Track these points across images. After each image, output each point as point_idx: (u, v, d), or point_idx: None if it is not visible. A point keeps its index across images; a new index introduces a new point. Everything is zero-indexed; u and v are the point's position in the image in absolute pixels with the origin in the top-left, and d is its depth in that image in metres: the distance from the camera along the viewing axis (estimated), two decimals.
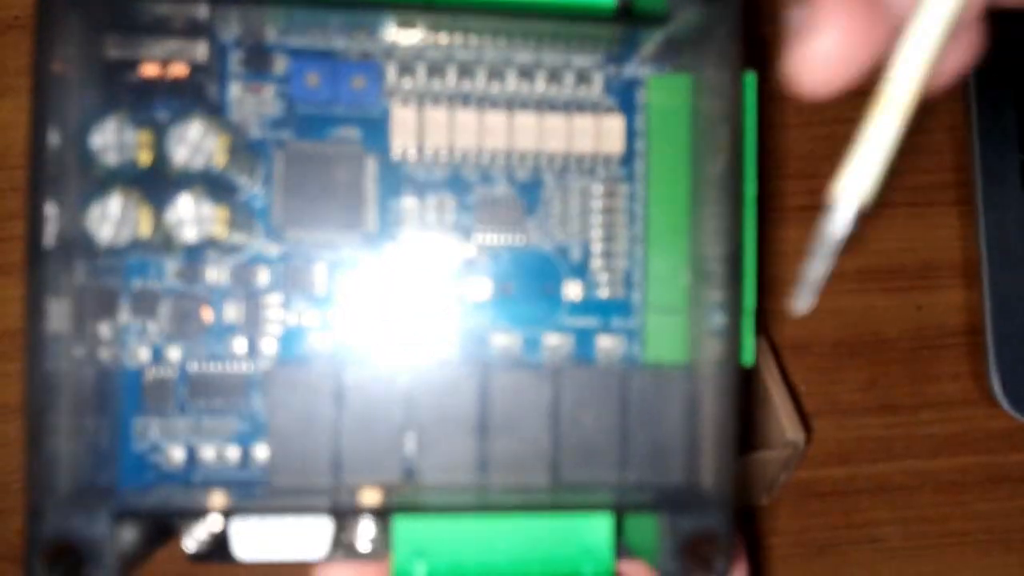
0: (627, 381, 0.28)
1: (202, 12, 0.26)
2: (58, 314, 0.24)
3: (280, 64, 0.29)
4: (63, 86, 0.23)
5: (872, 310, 0.48)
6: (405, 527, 0.27)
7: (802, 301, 0.17)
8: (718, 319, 0.26)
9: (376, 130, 0.29)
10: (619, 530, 0.28)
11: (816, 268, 0.17)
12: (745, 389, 0.27)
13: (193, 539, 0.27)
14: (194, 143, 0.25)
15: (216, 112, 0.28)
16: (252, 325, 0.29)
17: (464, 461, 0.27)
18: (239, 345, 0.29)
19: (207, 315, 0.28)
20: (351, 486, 0.27)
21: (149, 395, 0.28)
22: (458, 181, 0.30)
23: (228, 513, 0.26)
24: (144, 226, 0.25)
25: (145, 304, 0.28)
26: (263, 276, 0.29)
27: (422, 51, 0.29)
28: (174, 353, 0.28)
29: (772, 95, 0.35)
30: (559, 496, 0.27)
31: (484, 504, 0.26)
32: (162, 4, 0.24)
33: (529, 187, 0.30)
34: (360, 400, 0.27)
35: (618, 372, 0.28)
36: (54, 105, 0.23)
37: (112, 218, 0.24)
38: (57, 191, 0.23)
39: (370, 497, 0.26)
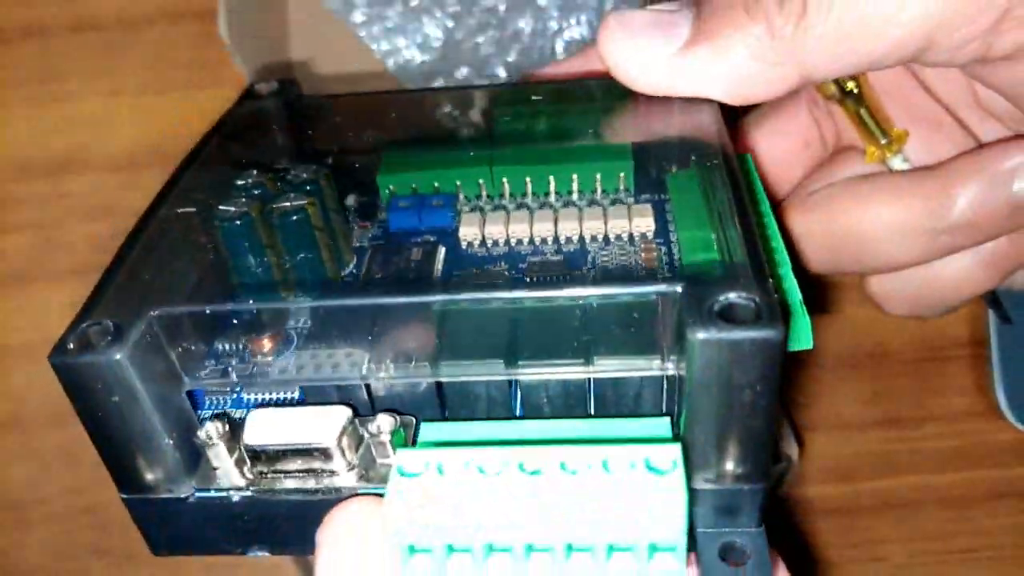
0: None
1: None
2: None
3: (382, 213, 0.37)
4: None
5: (874, 320, 0.46)
6: (431, 431, 0.26)
7: None
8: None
9: (448, 235, 0.35)
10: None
11: None
12: None
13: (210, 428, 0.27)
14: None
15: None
16: None
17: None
18: None
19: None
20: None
21: None
22: (512, 255, 0.34)
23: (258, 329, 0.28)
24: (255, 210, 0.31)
25: None
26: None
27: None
28: None
29: None
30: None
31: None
32: None
33: (575, 257, 0.34)
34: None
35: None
36: None
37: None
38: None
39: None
